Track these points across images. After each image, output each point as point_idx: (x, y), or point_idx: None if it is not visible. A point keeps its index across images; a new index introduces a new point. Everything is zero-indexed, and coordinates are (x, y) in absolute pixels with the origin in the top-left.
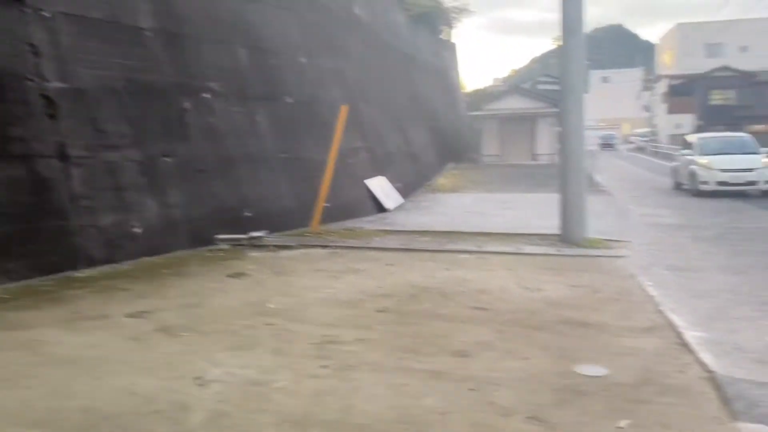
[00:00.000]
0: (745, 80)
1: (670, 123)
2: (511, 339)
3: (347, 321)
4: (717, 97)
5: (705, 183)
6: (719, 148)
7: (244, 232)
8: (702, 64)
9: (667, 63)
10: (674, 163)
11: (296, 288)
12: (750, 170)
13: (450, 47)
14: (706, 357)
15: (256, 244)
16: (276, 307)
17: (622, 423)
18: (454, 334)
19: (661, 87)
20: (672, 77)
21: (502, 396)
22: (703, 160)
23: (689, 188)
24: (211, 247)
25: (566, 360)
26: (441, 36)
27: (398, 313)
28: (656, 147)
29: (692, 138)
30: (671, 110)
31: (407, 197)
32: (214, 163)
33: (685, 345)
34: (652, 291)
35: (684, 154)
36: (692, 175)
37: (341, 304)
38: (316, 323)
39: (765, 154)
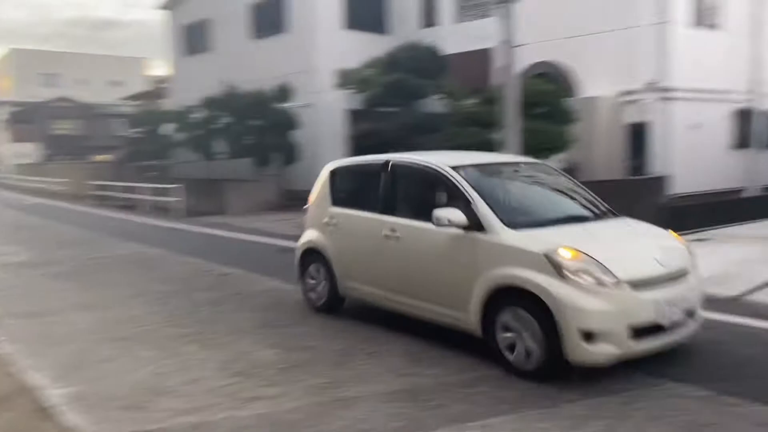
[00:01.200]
0: (86, 111)
1: (15, 151)
2: None
3: None
4: (60, 127)
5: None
6: (520, 202)
7: None
8: (40, 93)
9: (6, 89)
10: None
11: None
12: (680, 276)
13: None
14: (72, 419)
15: None
16: None
17: None
18: None
19: (2, 114)
20: (12, 104)
21: None
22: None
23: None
24: None
25: None
26: None
27: None
28: (4, 177)
29: (427, 161)
30: (15, 138)
31: None
32: None
33: (45, 410)
34: (6, 348)
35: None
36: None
37: None
38: None
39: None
